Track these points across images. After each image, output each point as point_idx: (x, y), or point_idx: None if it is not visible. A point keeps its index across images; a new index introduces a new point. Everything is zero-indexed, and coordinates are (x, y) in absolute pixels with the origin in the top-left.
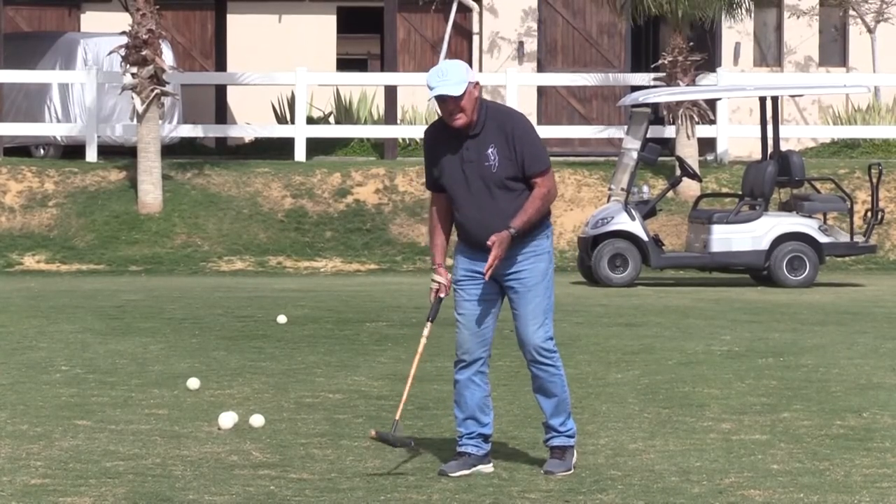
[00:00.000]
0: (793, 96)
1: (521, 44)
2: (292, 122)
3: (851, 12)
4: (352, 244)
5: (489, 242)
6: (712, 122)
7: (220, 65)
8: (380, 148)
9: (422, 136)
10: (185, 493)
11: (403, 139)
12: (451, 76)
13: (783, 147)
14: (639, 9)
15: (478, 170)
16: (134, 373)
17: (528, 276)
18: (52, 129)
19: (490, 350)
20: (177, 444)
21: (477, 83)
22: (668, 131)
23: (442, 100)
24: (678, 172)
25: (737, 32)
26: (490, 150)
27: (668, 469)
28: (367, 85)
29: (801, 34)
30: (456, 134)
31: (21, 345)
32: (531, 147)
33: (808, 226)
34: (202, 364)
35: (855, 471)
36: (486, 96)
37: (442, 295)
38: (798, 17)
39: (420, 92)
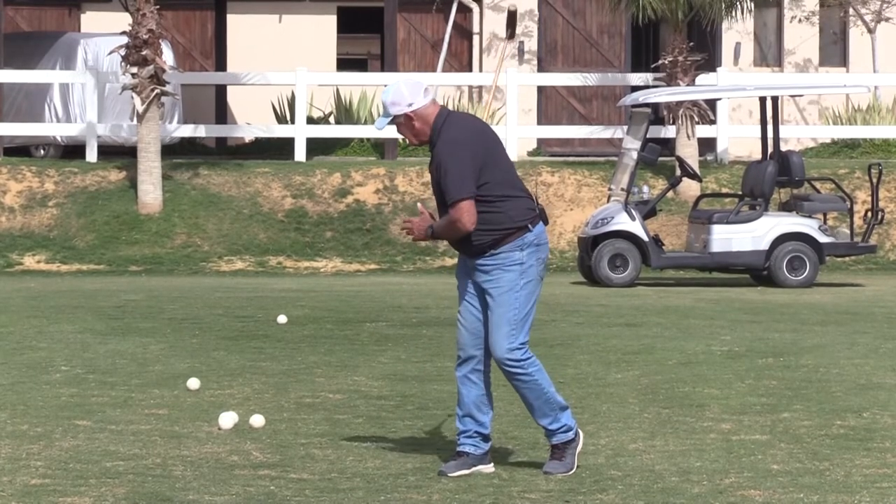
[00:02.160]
0: (793, 96)
1: (521, 44)
2: (292, 122)
3: (851, 12)
4: (352, 244)
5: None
6: (712, 122)
7: (220, 65)
8: (380, 148)
9: None
10: (185, 493)
11: (404, 139)
12: (383, 108)
13: (783, 147)
14: (636, 9)
15: (432, 185)
16: (134, 373)
17: (493, 286)
18: (52, 129)
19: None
20: (177, 444)
21: (408, 115)
22: (669, 131)
23: None
24: (678, 172)
25: (737, 32)
26: (433, 169)
27: (668, 469)
28: (367, 85)
29: (802, 34)
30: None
31: (21, 345)
32: (444, 177)
33: (808, 226)
34: (202, 364)
35: (855, 471)
36: (486, 96)
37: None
38: (800, 21)
39: None
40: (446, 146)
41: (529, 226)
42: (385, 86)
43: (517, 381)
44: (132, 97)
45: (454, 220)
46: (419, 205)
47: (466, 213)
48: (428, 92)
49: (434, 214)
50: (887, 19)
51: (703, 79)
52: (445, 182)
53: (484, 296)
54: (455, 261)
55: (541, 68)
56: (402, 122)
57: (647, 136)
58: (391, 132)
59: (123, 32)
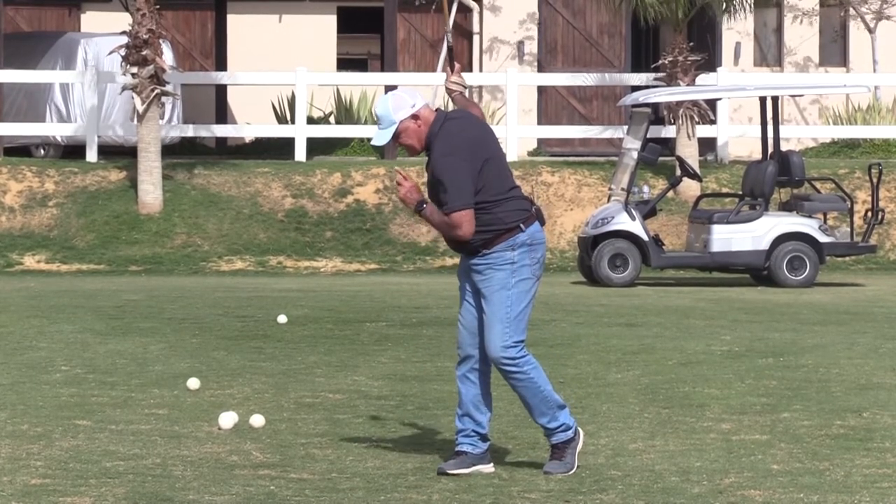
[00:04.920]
0: (793, 96)
1: (521, 44)
2: (292, 122)
3: (851, 12)
4: (352, 244)
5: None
6: (712, 122)
7: (220, 65)
8: (380, 148)
9: None
10: (185, 493)
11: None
12: (382, 120)
13: (783, 147)
14: (638, 11)
15: (428, 188)
16: (134, 373)
17: (485, 285)
18: (52, 129)
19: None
20: (177, 444)
21: (414, 115)
22: (669, 131)
23: None
24: (678, 172)
25: (737, 33)
26: (429, 175)
27: (668, 469)
28: (367, 85)
29: (802, 34)
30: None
31: (21, 345)
32: (443, 190)
33: (808, 226)
34: (202, 364)
35: (855, 471)
36: (486, 96)
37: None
38: (801, 22)
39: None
40: (442, 159)
41: (521, 226)
42: (385, 87)
43: (513, 379)
44: (132, 97)
45: (454, 226)
46: (397, 169)
47: (467, 223)
48: (421, 96)
49: (421, 188)
50: (888, 17)
51: (703, 79)
52: (444, 194)
53: (479, 296)
54: (456, 260)
55: (541, 68)
56: (409, 125)
57: (648, 136)
58: None
59: (123, 32)
